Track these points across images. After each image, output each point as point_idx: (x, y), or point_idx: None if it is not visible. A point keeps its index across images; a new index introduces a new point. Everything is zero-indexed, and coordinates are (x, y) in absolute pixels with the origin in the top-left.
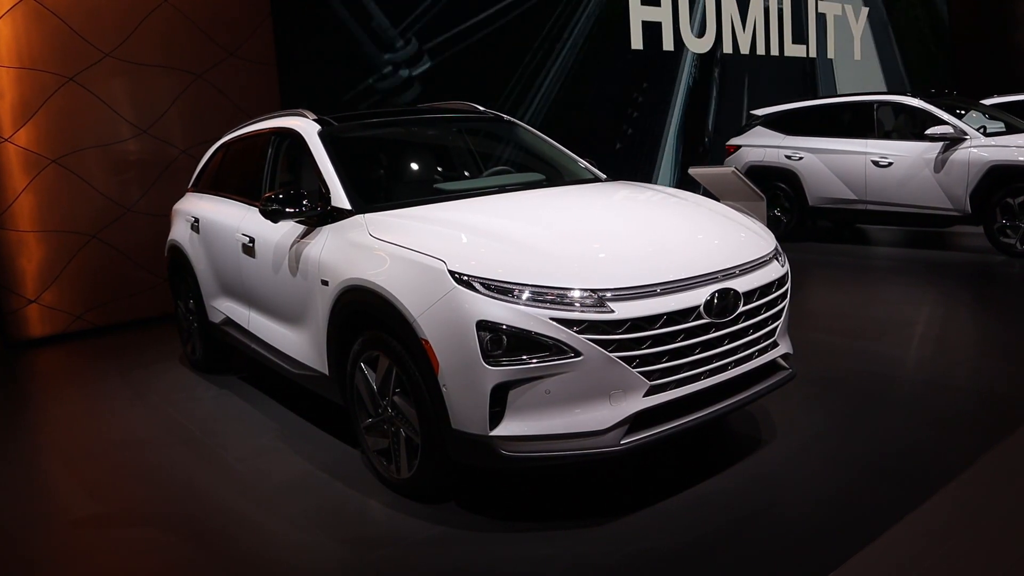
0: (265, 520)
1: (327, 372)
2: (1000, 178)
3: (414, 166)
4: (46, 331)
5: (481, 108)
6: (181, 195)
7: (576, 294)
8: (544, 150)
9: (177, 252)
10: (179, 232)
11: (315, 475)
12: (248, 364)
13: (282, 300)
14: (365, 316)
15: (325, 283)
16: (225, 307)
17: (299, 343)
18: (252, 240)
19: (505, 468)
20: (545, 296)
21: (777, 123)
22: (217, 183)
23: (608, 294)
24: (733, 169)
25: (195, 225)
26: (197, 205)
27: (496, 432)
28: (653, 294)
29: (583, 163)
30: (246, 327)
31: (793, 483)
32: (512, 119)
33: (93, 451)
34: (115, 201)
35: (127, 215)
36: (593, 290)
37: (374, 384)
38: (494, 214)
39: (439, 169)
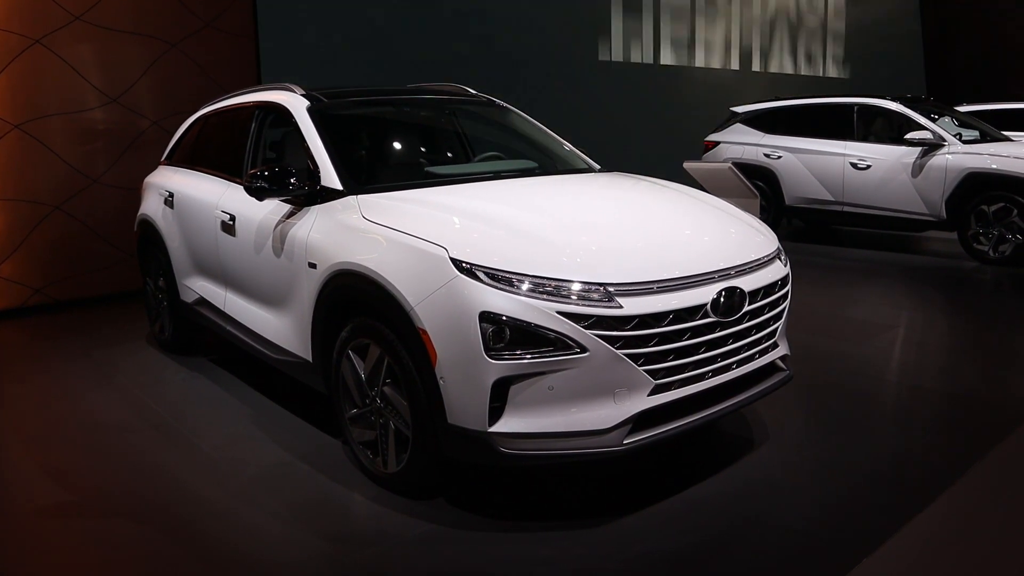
0: (244, 512)
1: (310, 359)
2: (976, 185)
3: (405, 148)
4: (3, 305)
5: (472, 91)
6: (150, 168)
7: (585, 288)
8: (537, 137)
9: (148, 227)
10: (151, 206)
11: (295, 466)
12: (219, 346)
13: (264, 282)
14: (356, 302)
15: (313, 266)
16: (199, 286)
17: (281, 327)
18: (233, 218)
19: (502, 466)
20: (552, 288)
21: (757, 121)
22: (194, 157)
23: (617, 289)
24: (730, 165)
25: (169, 200)
26: (171, 179)
27: (495, 428)
28: (661, 290)
29: (577, 152)
30: (222, 308)
31: (790, 488)
32: (505, 104)
33: (57, 434)
34: (81, 171)
35: (93, 186)
36: (602, 284)
37: (362, 373)
38: (494, 201)
39: (431, 152)
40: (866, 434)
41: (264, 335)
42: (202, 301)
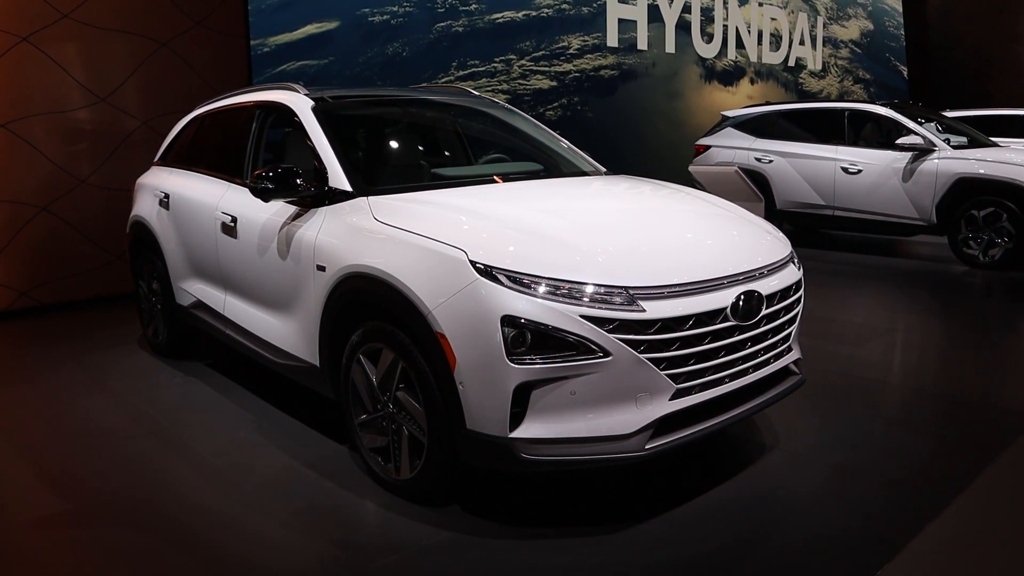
0: (252, 522)
1: (318, 364)
2: (966, 190)
3: (412, 149)
4: None
5: (475, 92)
6: (139, 169)
7: (607, 291)
8: (542, 139)
9: (142, 229)
10: (145, 208)
11: (301, 472)
12: (215, 349)
13: (268, 285)
14: (367, 305)
15: (321, 268)
16: (196, 289)
17: (286, 331)
18: (234, 219)
19: (523, 472)
20: (574, 292)
21: (748, 125)
22: (190, 157)
23: (638, 292)
24: (736, 168)
25: (165, 201)
26: (166, 180)
27: (516, 434)
28: (682, 294)
29: (581, 154)
30: (221, 312)
31: (806, 493)
32: (509, 106)
33: (51, 441)
34: (68, 172)
35: (80, 187)
36: (624, 287)
37: (374, 379)
38: (508, 203)
39: (436, 154)
40: (875, 438)
41: (267, 339)
42: (199, 304)
